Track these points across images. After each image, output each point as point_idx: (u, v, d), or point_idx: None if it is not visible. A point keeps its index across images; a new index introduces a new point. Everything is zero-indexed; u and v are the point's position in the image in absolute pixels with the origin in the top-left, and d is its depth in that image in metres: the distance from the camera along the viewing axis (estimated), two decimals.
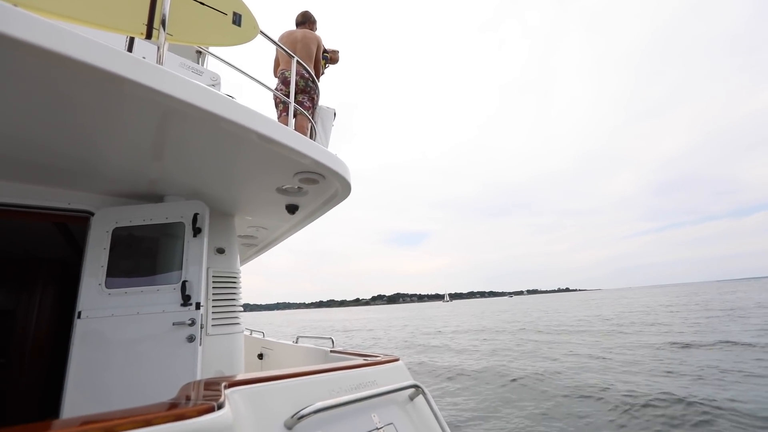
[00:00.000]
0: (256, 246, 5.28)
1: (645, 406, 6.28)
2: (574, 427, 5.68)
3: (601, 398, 6.88)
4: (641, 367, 9.11)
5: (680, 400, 6.33)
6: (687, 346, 11.77)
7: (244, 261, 5.98)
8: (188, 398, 1.23)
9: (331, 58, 4.24)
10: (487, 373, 9.68)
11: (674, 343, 12.34)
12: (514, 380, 8.70)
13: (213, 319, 3.13)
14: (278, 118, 3.52)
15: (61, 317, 4.25)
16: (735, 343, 11.38)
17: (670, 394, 6.68)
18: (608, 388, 7.38)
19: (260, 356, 4.97)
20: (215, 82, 3.62)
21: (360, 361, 2.12)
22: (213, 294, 3.21)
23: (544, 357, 11.44)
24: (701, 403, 6.12)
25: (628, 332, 16.24)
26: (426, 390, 1.95)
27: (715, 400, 6.21)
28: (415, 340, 19.59)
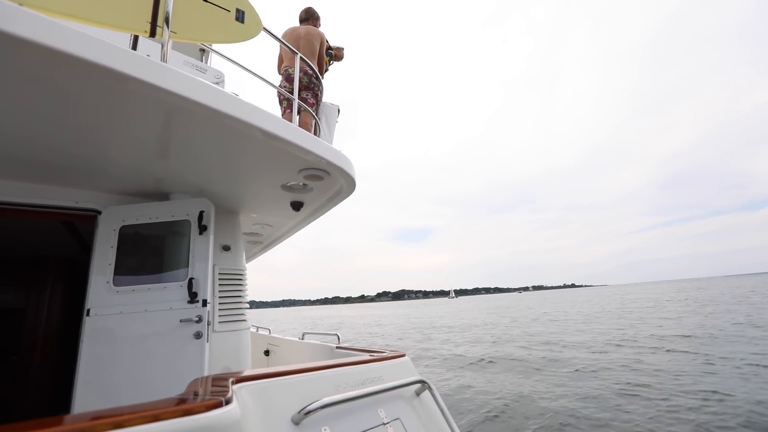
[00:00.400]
0: (261, 243, 5.30)
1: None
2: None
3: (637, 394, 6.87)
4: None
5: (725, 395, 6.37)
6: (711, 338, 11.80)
7: (249, 258, 6.01)
8: (196, 394, 1.24)
9: (336, 55, 4.23)
10: (513, 372, 9.53)
11: (690, 336, 12.35)
12: (537, 379, 8.52)
13: (220, 315, 3.15)
14: (282, 115, 3.53)
15: (70, 315, 4.30)
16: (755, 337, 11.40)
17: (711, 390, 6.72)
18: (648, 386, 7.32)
19: (267, 353, 5.00)
20: (219, 79, 3.63)
21: (366, 356, 2.12)
22: (219, 291, 3.23)
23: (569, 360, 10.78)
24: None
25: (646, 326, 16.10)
26: (432, 385, 1.94)
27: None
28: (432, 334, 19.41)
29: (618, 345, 11.89)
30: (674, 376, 7.74)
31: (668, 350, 10.45)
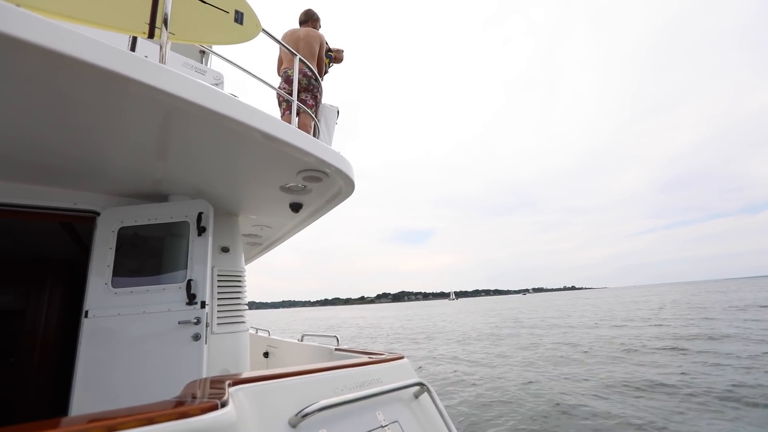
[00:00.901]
0: (260, 245, 5.30)
1: None
2: None
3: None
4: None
5: None
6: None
7: (249, 260, 6.01)
8: (193, 396, 1.23)
9: (336, 57, 4.23)
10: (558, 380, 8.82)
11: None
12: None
13: (218, 317, 3.14)
14: (281, 117, 3.53)
15: (69, 316, 4.29)
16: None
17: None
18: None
19: (266, 355, 4.99)
20: (218, 81, 3.63)
21: (365, 359, 2.11)
22: (218, 293, 3.22)
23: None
24: None
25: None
26: (431, 388, 1.93)
27: None
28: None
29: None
30: None
31: None
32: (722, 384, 7.35)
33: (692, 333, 14.12)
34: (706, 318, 19.01)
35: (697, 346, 11.44)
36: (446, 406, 1.95)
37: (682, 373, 8.41)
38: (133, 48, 2.55)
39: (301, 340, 4.21)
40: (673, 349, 11.28)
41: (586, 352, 12.12)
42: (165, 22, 1.92)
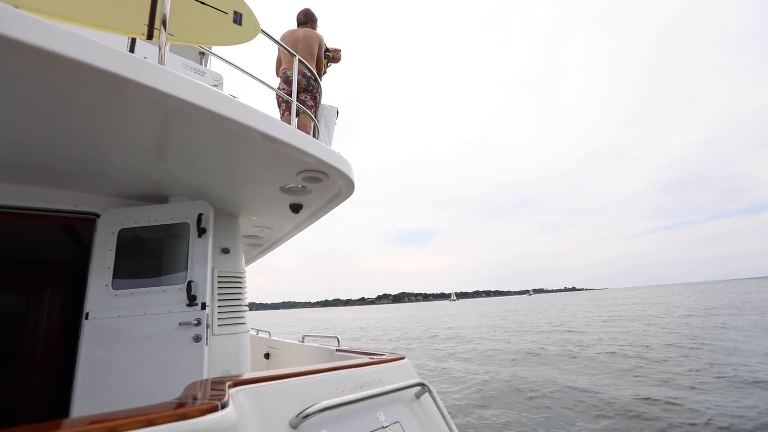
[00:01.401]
0: (261, 246, 5.30)
1: None
2: None
3: None
4: None
5: None
6: None
7: (249, 261, 6.00)
8: (193, 398, 1.23)
9: (333, 56, 4.23)
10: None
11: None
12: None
13: (219, 319, 3.14)
14: (281, 118, 3.52)
15: (70, 318, 4.29)
16: None
17: None
18: None
19: (267, 356, 4.99)
20: (218, 82, 3.63)
21: (365, 359, 2.11)
22: (218, 294, 3.22)
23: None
24: None
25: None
26: (432, 388, 1.93)
27: None
28: None
29: None
30: None
31: None
32: None
33: None
34: None
35: None
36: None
37: None
38: (132, 49, 2.55)
39: (302, 341, 4.21)
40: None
41: None
42: (164, 23, 1.91)
